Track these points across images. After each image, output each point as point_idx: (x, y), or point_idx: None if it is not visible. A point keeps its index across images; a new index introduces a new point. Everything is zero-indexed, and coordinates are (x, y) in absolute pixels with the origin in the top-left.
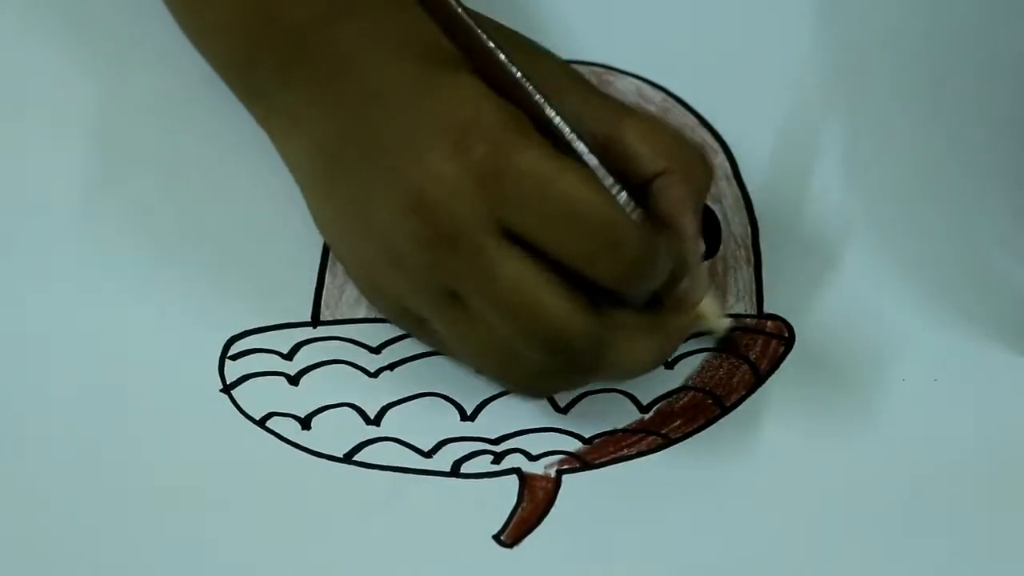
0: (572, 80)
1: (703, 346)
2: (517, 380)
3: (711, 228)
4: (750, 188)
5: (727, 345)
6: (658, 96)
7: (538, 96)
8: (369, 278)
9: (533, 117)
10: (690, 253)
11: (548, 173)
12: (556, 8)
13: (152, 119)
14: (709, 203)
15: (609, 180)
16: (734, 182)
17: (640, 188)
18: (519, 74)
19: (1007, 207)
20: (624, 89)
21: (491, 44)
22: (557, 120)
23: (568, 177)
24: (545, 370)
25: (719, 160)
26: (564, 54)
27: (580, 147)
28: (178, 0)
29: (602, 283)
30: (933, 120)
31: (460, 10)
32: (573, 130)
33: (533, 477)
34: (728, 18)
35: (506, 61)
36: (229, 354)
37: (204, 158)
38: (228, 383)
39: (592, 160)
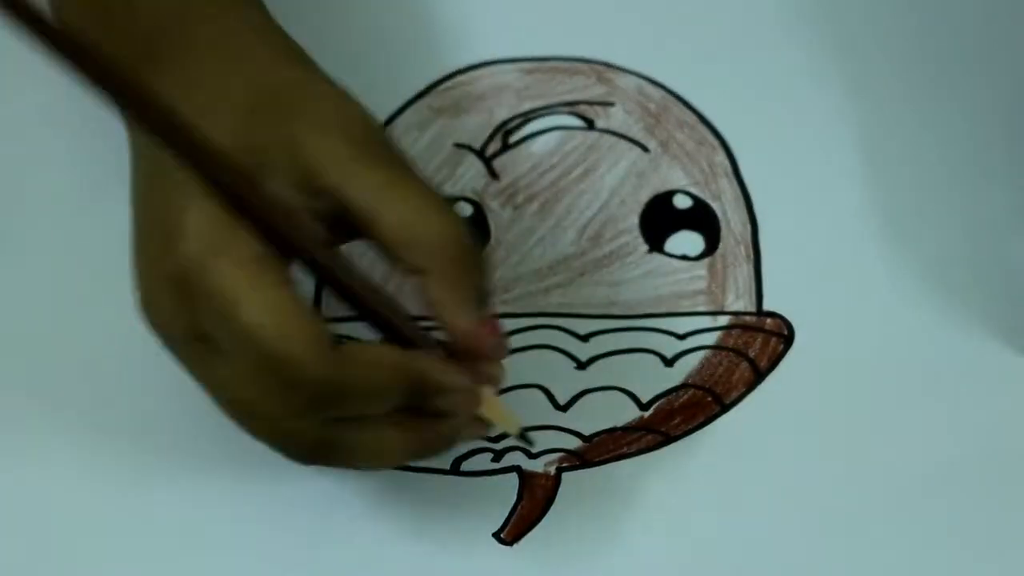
0: (345, 145)
1: (703, 344)
2: (264, 432)
3: (710, 225)
4: (750, 186)
5: (527, 442)
6: (658, 94)
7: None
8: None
9: (265, 216)
10: (433, 369)
11: (233, 296)
12: (557, 7)
13: None
14: (709, 201)
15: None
16: (734, 180)
17: (404, 272)
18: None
19: (1007, 206)
20: (624, 87)
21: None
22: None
23: (253, 304)
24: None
25: (719, 158)
26: (565, 51)
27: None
28: None
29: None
30: (933, 118)
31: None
32: (335, 191)
33: (533, 475)
34: (728, 17)
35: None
36: None
37: None
38: None
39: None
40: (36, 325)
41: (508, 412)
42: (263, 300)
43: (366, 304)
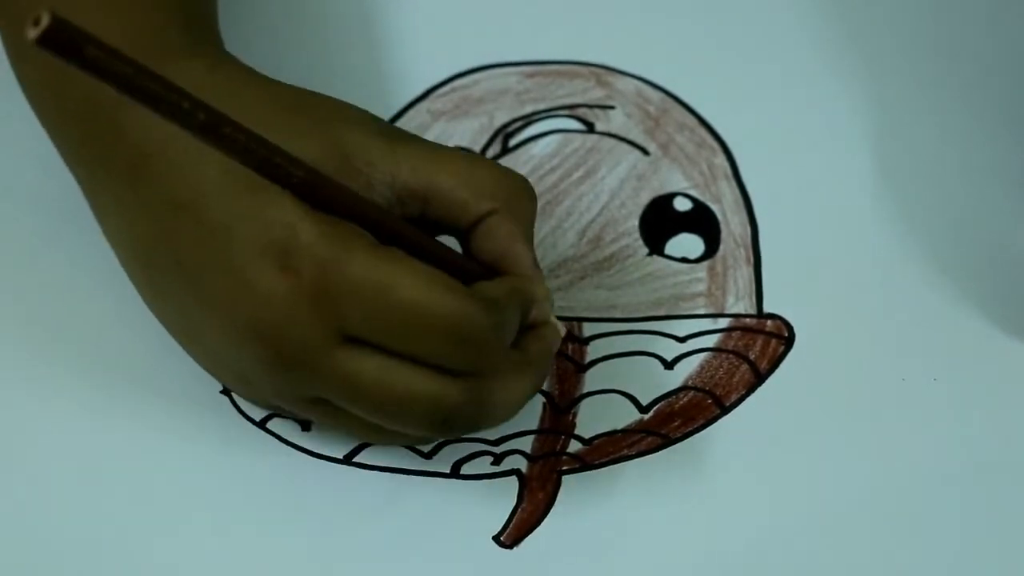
0: (381, 139)
1: (703, 346)
2: (414, 442)
3: (710, 228)
4: (750, 188)
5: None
6: (657, 96)
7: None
8: (232, 386)
9: (350, 207)
10: (531, 283)
11: (382, 282)
12: (557, 8)
13: None
14: (709, 203)
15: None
16: (734, 182)
17: (470, 230)
18: (325, 181)
19: (1009, 207)
20: (624, 89)
21: (287, 161)
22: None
23: (404, 282)
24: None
25: (719, 160)
26: (564, 54)
27: (407, 230)
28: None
29: (461, 371)
30: (934, 119)
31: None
32: (387, 184)
33: (533, 478)
34: (728, 18)
35: (311, 178)
36: None
37: None
38: None
39: (419, 235)
40: (36, 325)
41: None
42: (411, 275)
43: (456, 265)
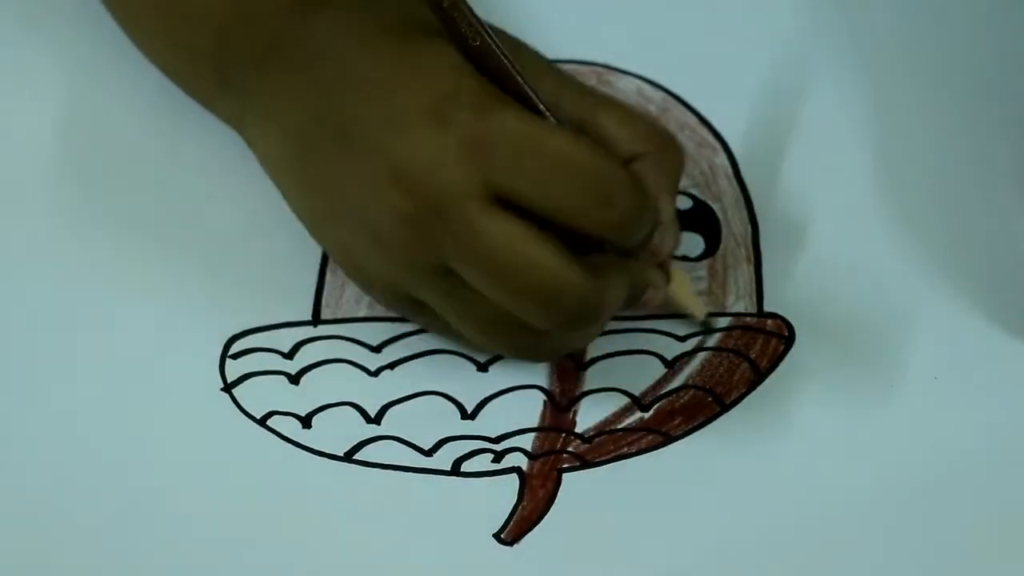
0: (549, 68)
1: (703, 345)
2: (521, 348)
3: (711, 227)
4: (750, 187)
5: (707, 328)
6: (658, 96)
7: (516, 72)
8: (355, 263)
9: (510, 93)
10: (665, 215)
11: (536, 130)
12: (557, 8)
13: (151, 118)
14: (709, 202)
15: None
16: (734, 181)
17: None
18: (499, 49)
19: (1007, 206)
20: (624, 89)
21: (475, 21)
22: (532, 94)
23: (557, 133)
24: (547, 332)
25: (719, 159)
26: (564, 54)
27: (553, 121)
28: None
29: (595, 234)
30: (934, 119)
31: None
32: (548, 108)
33: (533, 476)
34: (728, 18)
35: (489, 38)
36: (229, 353)
37: (204, 157)
38: (228, 382)
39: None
40: (36, 325)
41: (695, 292)
42: (564, 132)
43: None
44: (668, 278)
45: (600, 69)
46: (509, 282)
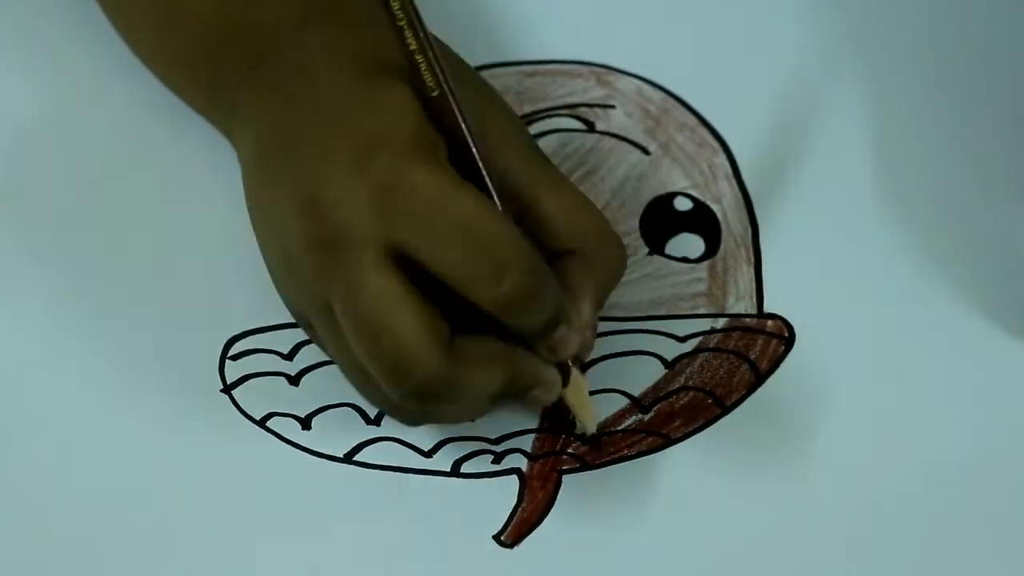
0: (514, 135)
1: (703, 346)
2: (379, 404)
3: (711, 228)
4: (750, 188)
5: (590, 442)
6: (658, 96)
7: (467, 134)
8: (272, 273)
9: (462, 156)
10: (579, 316)
11: (443, 190)
12: (557, 8)
13: (151, 118)
14: (709, 203)
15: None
16: (734, 182)
17: (549, 259)
18: (457, 110)
19: (1007, 206)
20: (624, 89)
21: (441, 73)
22: (478, 161)
23: (464, 196)
24: (397, 401)
25: (719, 160)
26: (564, 54)
27: (488, 177)
28: None
29: (482, 307)
30: (934, 119)
31: (420, 42)
32: (492, 178)
33: (533, 477)
34: (728, 18)
35: (450, 93)
36: (229, 354)
37: (204, 157)
38: (228, 383)
39: (494, 193)
40: (36, 325)
41: (590, 403)
42: (475, 196)
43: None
44: (565, 381)
45: (600, 69)
46: (366, 340)
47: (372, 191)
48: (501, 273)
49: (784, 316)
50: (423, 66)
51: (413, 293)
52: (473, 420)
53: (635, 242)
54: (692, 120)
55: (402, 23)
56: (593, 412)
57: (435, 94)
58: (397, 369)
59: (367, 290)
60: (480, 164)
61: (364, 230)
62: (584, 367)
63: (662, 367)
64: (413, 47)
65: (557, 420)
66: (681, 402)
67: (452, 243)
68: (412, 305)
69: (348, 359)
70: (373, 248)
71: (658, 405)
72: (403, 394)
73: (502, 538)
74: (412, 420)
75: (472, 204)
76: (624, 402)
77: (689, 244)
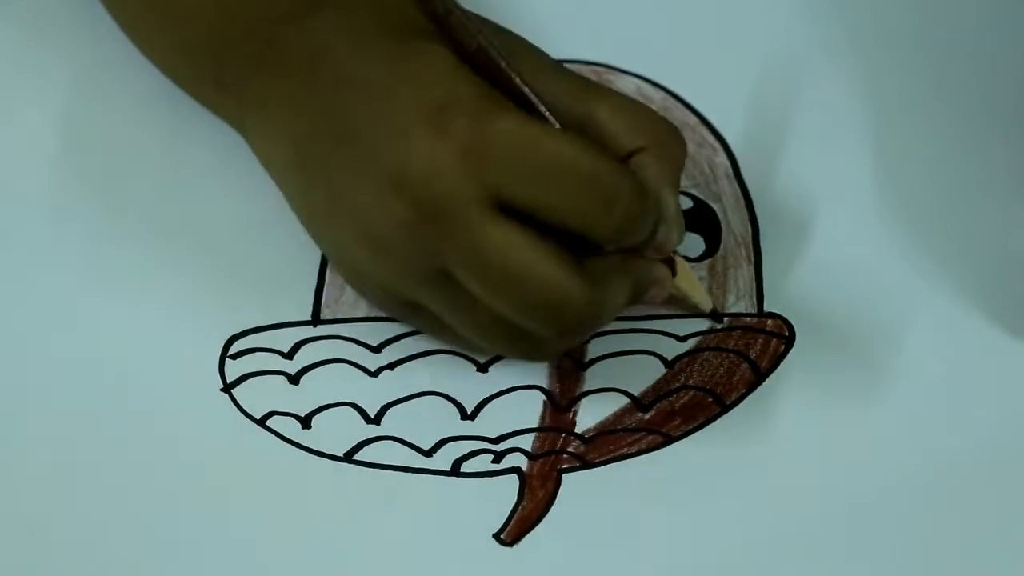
0: (547, 65)
1: (703, 345)
2: (521, 351)
3: (711, 227)
4: (750, 187)
5: (715, 319)
6: (658, 95)
7: (513, 75)
8: (352, 266)
9: (508, 96)
10: (667, 210)
11: (534, 135)
12: (557, 8)
13: (151, 118)
14: (709, 202)
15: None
16: (734, 181)
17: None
18: (495, 52)
19: (1008, 206)
20: (624, 89)
21: (471, 26)
22: (531, 96)
23: (555, 137)
24: (545, 337)
25: (719, 159)
26: (564, 54)
27: (553, 121)
28: None
29: (596, 239)
30: (933, 119)
31: (447, 3)
32: (547, 107)
33: (533, 476)
34: (729, 18)
35: (483, 39)
36: (229, 353)
37: (204, 157)
38: (228, 382)
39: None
40: (36, 325)
41: (700, 284)
42: (562, 135)
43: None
44: (674, 272)
45: (600, 69)
46: (511, 291)
47: (460, 154)
48: (611, 205)
49: (784, 315)
50: (456, 24)
51: (534, 236)
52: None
53: None
54: (692, 119)
55: None
56: (705, 293)
57: (473, 47)
58: (552, 308)
59: (492, 244)
60: (537, 102)
61: (465, 193)
62: (584, 367)
63: (662, 366)
64: (442, 9)
65: (557, 419)
66: (681, 401)
67: (556, 186)
68: (540, 246)
69: (477, 321)
70: (479, 206)
71: (658, 404)
72: (560, 331)
73: (502, 537)
74: (554, 354)
75: (563, 143)
76: (624, 401)
77: (689, 243)
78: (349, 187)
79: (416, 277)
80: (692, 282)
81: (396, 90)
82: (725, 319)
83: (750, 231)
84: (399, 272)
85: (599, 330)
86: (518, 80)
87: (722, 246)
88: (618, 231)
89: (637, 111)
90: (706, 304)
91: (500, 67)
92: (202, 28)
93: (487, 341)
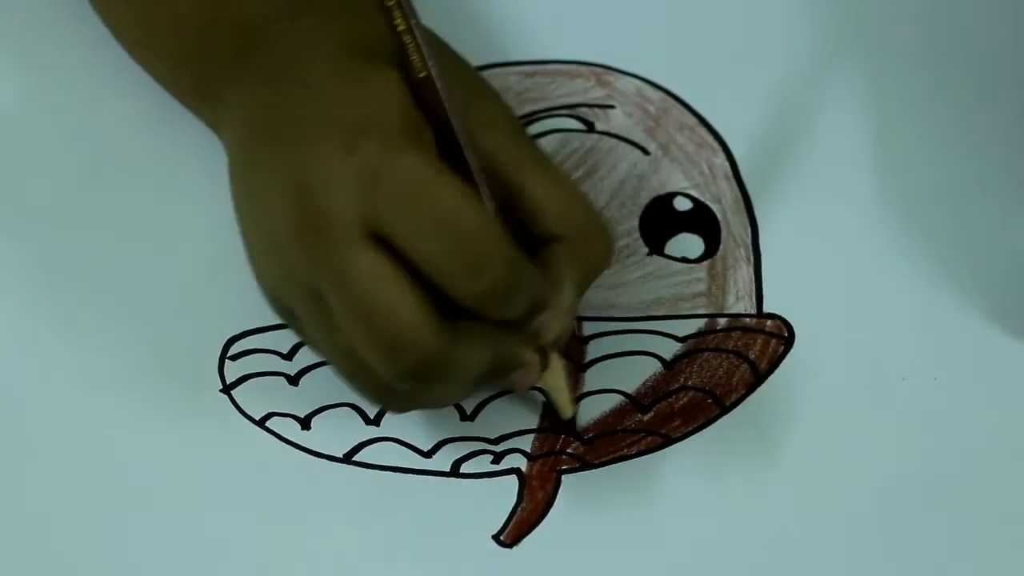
0: (501, 120)
1: (703, 346)
2: (367, 390)
3: (710, 228)
4: (750, 188)
5: (568, 428)
6: (658, 96)
7: (451, 115)
8: (254, 260)
9: (443, 137)
10: (560, 303)
11: (428, 179)
12: (557, 8)
13: (151, 118)
14: (709, 203)
15: (490, 205)
16: (734, 182)
17: (533, 247)
18: (442, 93)
19: (1007, 206)
20: (624, 89)
21: (425, 55)
22: (461, 139)
23: (447, 187)
24: (390, 382)
25: (719, 160)
26: (564, 54)
27: (473, 165)
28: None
29: (459, 300)
30: (933, 119)
31: (408, 23)
32: (485, 162)
33: (533, 477)
34: (728, 18)
35: (434, 76)
36: (229, 354)
37: (204, 157)
38: (228, 383)
39: (480, 181)
40: (36, 325)
41: (567, 388)
42: (459, 187)
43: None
44: (545, 365)
45: (600, 69)
46: (362, 319)
47: (358, 175)
48: (479, 270)
49: (784, 316)
50: (411, 46)
51: (402, 272)
52: (454, 404)
53: (635, 242)
54: (692, 120)
55: (391, 3)
56: (570, 397)
57: (422, 75)
58: (394, 346)
59: (358, 270)
60: (464, 148)
61: (349, 214)
62: (584, 367)
63: (662, 367)
64: (401, 27)
65: (557, 420)
66: (681, 402)
67: (432, 234)
68: (404, 283)
69: (335, 345)
70: (361, 233)
71: (658, 405)
72: (398, 372)
73: (501, 538)
74: (399, 405)
75: (454, 195)
76: (624, 402)
77: (689, 244)
78: (264, 184)
79: (294, 285)
80: (558, 383)
81: (333, 103)
82: (587, 421)
83: (750, 232)
84: (283, 276)
85: (454, 395)
86: (454, 124)
87: (721, 247)
88: (481, 297)
89: (572, 201)
90: (567, 411)
91: (440, 104)
92: (186, 32)
93: (342, 370)
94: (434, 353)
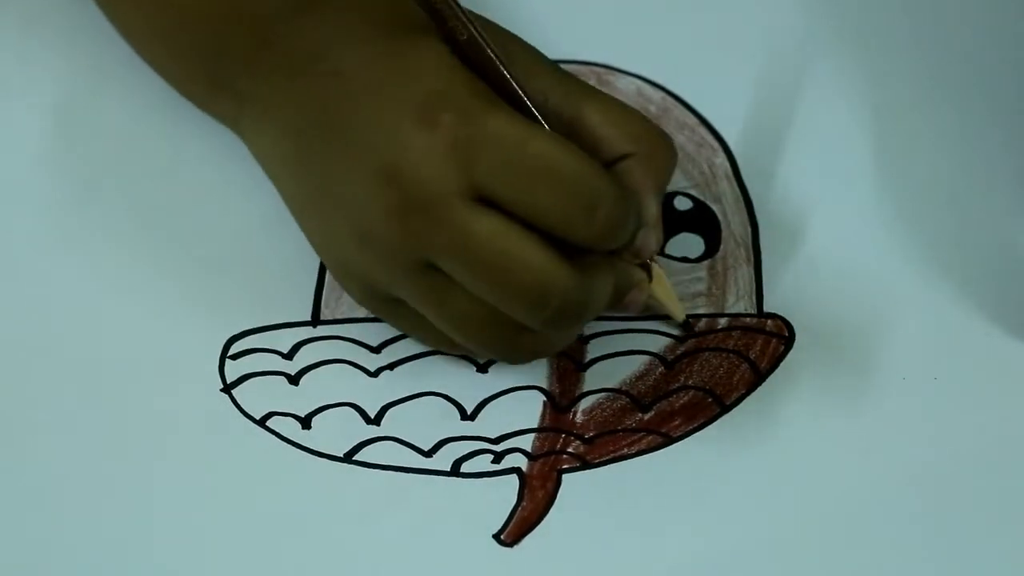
0: (540, 63)
1: (703, 346)
2: (499, 347)
3: (711, 227)
4: (750, 188)
5: (687, 330)
6: (658, 96)
7: (504, 69)
8: (340, 258)
9: (497, 91)
10: (648, 216)
11: (521, 136)
12: (557, 8)
13: (152, 118)
14: (709, 203)
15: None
16: (734, 182)
17: (607, 167)
18: (487, 44)
19: (1007, 206)
20: (624, 89)
21: (464, 18)
22: (520, 93)
23: (542, 138)
24: (527, 330)
25: (719, 160)
26: (564, 54)
27: (541, 119)
28: None
29: (577, 242)
30: (932, 119)
31: None
32: (536, 107)
33: (533, 476)
34: (728, 18)
35: (478, 35)
36: (229, 354)
37: (204, 158)
38: (228, 383)
39: (543, 124)
40: (36, 325)
41: (675, 292)
42: (550, 135)
43: None
44: (650, 278)
45: (600, 69)
46: (498, 279)
47: (450, 147)
48: (593, 209)
49: (784, 315)
50: (448, 13)
51: (519, 226)
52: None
53: None
54: (692, 120)
55: None
56: (679, 301)
57: (464, 38)
58: (540, 294)
59: (479, 233)
60: (524, 96)
61: (451, 186)
62: (584, 366)
63: (662, 367)
64: (446, 16)
65: (557, 419)
66: (681, 401)
67: (540, 188)
68: (527, 236)
69: (453, 313)
70: (465, 198)
71: (658, 404)
72: (547, 318)
73: (502, 537)
74: (527, 355)
75: (550, 145)
76: (625, 401)
77: (689, 244)
78: (340, 178)
79: (399, 268)
80: (667, 290)
81: (387, 85)
82: (699, 327)
83: (750, 232)
84: (383, 262)
85: (585, 326)
86: (508, 75)
87: (722, 246)
88: (599, 235)
89: (628, 116)
90: (679, 314)
91: (491, 61)
92: (200, 28)
93: (465, 336)
94: (574, 289)
